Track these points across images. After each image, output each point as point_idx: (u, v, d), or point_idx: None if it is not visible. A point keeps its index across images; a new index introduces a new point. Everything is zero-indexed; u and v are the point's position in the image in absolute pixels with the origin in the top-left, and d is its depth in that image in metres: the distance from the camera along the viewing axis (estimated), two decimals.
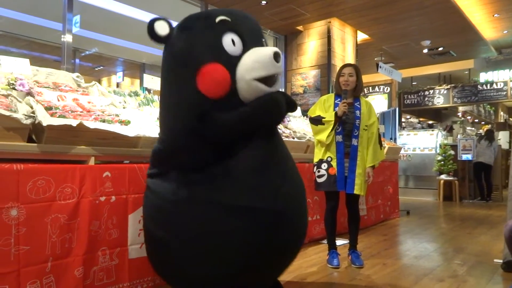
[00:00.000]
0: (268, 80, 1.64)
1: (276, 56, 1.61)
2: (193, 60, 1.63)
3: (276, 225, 1.63)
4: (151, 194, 1.82)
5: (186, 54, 1.66)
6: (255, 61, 1.61)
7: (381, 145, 3.02)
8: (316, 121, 2.90)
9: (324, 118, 2.86)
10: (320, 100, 3.04)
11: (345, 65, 3.00)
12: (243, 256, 1.61)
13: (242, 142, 1.66)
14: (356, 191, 2.83)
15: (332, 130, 2.83)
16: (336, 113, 2.83)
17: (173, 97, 1.71)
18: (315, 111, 2.96)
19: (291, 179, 1.76)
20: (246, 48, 1.65)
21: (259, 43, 1.73)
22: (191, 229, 1.64)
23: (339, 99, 2.93)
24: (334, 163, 2.85)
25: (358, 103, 2.95)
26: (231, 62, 1.61)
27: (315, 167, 2.94)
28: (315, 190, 2.97)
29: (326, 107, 2.96)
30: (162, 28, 1.69)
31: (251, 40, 1.68)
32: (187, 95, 1.64)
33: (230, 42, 1.63)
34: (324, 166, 2.88)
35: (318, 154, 2.94)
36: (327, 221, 3.00)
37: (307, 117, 4.70)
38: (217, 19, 1.65)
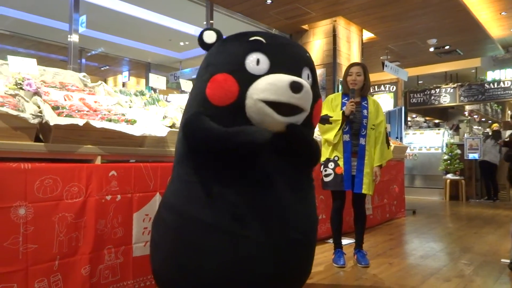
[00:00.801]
0: (281, 107, 1.59)
1: (294, 85, 1.55)
2: (213, 66, 1.70)
3: (255, 254, 1.58)
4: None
5: (211, 60, 1.75)
6: (268, 83, 1.58)
7: (388, 144, 3.01)
8: (324, 120, 2.88)
9: (331, 117, 2.86)
10: (327, 99, 3.03)
11: (353, 64, 2.99)
12: (219, 277, 1.58)
13: (240, 163, 1.63)
14: (364, 191, 2.83)
15: (339, 129, 2.82)
16: (343, 112, 2.82)
17: (194, 90, 1.80)
18: (322, 110, 2.94)
19: (287, 217, 1.67)
20: (272, 71, 1.63)
21: (294, 72, 1.66)
22: (172, 238, 1.66)
23: (346, 98, 2.92)
24: (341, 162, 2.85)
25: (365, 102, 2.94)
26: (247, 79, 1.61)
27: (322, 166, 2.94)
28: (322, 189, 2.96)
29: (333, 106, 2.96)
30: (208, 37, 1.82)
31: (282, 66, 1.65)
32: (199, 93, 1.71)
33: (254, 60, 1.63)
34: (331, 165, 2.87)
35: (325, 153, 2.94)
36: (333, 220, 3.00)
37: None
38: (251, 38, 1.70)
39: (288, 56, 1.73)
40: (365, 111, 2.90)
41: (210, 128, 1.61)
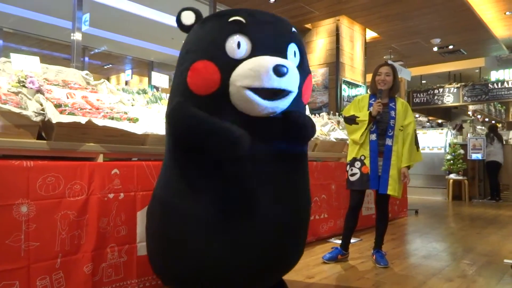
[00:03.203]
0: (266, 92, 1.53)
1: (277, 69, 1.48)
2: (192, 53, 1.63)
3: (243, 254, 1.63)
4: None
5: (190, 46, 1.68)
6: (250, 69, 1.51)
7: (418, 146, 2.97)
8: (350, 120, 2.89)
9: (358, 117, 2.85)
10: (354, 100, 3.04)
11: (382, 64, 2.98)
12: (209, 269, 1.64)
13: (227, 164, 1.61)
14: (389, 192, 2.81)
15: (365, 129, 2.82)
16: (370, 113, 2.82)
17: (176, 79, 1.74)
18: (349, 111, 2.96)
19: (276, 216, 1.67)
20: (254, 53, 1.56)
21: (278, 52, 1.60)
22: (160, 229, 1.74)
23: (373, 99, 2.91)
24: (367, 162, 2.84)
25: (393, 103, 2.92)
26: (229, 64, 1.55)
27: (348, 166, 2.93)
28: (346, 188, 2.95)
29: (360, 106, 2.95)
30: (187, 18, 1.73)
31: (265, 47, 1.58)
32: (180, 83, 1.65)
33: (234, 44, 1.55)
34: (358, 164, 2.87)
35: (352, 152, 2.93)
36: (348, 219, 2.98)
37: (315, 115, 4.70)
38: (230, 19, 1.60)
39: (271, 34, 1.63)
40: (392, 112, 2.88)
41: (195, 115, 1.56)
